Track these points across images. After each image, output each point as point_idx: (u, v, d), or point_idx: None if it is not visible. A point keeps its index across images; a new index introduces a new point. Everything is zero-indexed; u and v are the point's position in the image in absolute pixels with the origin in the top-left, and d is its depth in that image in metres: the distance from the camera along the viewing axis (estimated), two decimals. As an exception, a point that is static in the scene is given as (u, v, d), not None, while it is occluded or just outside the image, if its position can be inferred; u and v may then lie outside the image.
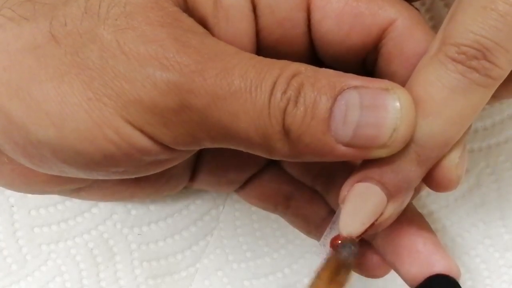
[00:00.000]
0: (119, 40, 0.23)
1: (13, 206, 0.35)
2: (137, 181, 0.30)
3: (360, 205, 0.25)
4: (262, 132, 0.23)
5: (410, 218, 0.28)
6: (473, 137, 0.35)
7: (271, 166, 0.33)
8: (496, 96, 0.26)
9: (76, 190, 0.30)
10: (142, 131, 0.23)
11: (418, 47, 0.26)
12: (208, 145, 0.24)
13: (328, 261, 0.26)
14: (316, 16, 0.27)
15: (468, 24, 0.23)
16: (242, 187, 0.33)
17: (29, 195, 0.34)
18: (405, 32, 0.26)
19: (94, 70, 0.23)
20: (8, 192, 0.34)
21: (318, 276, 0.25)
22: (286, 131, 0.23)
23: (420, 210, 0.35)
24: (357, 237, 0.25)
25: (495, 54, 0.23)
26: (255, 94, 0.23)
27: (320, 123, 0.23)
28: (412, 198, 0.27)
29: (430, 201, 0.35)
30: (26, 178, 0.28)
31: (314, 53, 0.28)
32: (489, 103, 0.27)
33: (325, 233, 0.26)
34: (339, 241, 0.25)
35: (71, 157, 0.24)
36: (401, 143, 0.23)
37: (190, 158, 0.31)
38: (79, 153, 0.24)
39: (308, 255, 0.36)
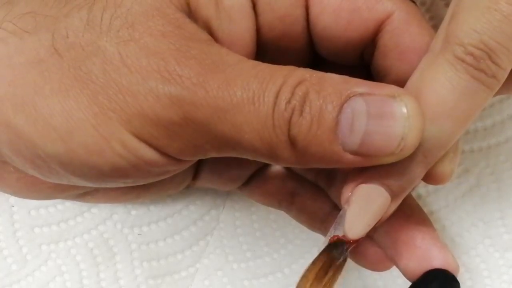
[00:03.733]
0: (122, 53, 0.23)
1: (13, 206, 0.35)
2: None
3: (365, 207, 0.25)
4: (267, 142, 0.23)
5: (410, 212, 0.28)
6: (473, 137, 0.35)
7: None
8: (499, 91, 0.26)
9: (81, 195, 0.30)
10: (148, 144, 0.24)
11: (414, 40, 0.26)
12: (214, 154, 0.24)
13: (316, 261, 0.25)
14: (314, 11, 0.27)
15: (472, 24, 0.23)
16: (245, 184, 0.33)
17: (29, 195, 0.35)
18: (402, 25, 0.26)
19: (98, 84, 0.23)
20: (8, 192, 0.35)
21: (304, 275, 0.25)
22: (292, 141, 0.23)
23: (419, 210, 0.35)
24: (360, 239, 0.25)
25: (499, 54, 0.23)
26: (258, 105, 0.23)
27: (326, 132, 0.23)
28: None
29: (430, 201, 0.35)
30: (32, 186, 0.28)
31: (313, 48, 0.28)
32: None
33: (328, 234, 0.26)
34: (331, 239, 0.25)
35: (80, 170, 0.24)
36: (409, 150, 0.23)
37: None
38: (88, 166, 0.24)
39: (308, 255, 0.36)
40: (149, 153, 0.24)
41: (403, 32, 0.26)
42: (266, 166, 0.32)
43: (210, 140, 0.23)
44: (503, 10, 0.23)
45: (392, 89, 0.24)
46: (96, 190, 0.30)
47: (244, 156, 0.24)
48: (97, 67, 0.23)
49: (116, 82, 0.23)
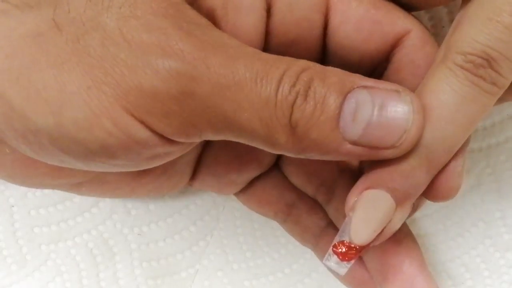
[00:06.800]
0: (122, 28, 0.23)
1: (13, 206, 0.35)
2: (139, 177, 0.30)
3: (371, 212, 0.25)
4: (266, 124, 0.23)
5: (400, 237, 0.28)
6: (473, 137, 0.35)
7: (274, 172, 0.32)
8: (498, 99, 0.26)
9: (76, 185, 0.29)
10: (141, 121, 0.23)
11: (428, 59, 0.26)
12: (210, 136, 0.24)
13: None
14: (335, 20, 0.27)
15: (474, 34, 0.24)
16: (243, 191, 0.33)
17: (29, 195, 0.34)
18: (418, 43, 0.27)
19: (95, 58, 0.23)
20: (8, 192, 0.34)
21: None
22: (292, 125, 0.23)
23: (420, 211, 0.35)
24: (366, 246, 0.25)
25: (500, 63, 0.23)
26: (260, 85, 0.23)
27: (329, 119, 0.23)
28: (409, 215, 0.26)
29: (431, 201, 0.35)
30: (26, 170, 0.27)
31: (324, 58, 0.28)
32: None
33: (333, 243, 0.26)
34: (336, 244, 0.25)
35: (69, 147, 0.24)
36: (410, 145, 0.23)
37: (191, 156, 0.31)
38: (76, 143, 0.23)
39: (308, 255, 0.36)
40: (140, 132, 0.23)
41: (419, 49, 0.27)
42: (265, 175, 0.32)
43: (208, 117, 0.23)
44: (506, 21, 0.23)
45: (395, 85, 0.24)
46: (91, 181, 0.29)
47: (240, 139, 0.24)
48: (96, 41, 0.23)
49: (114, 56, 0.23)
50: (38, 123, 0.23)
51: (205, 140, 0.31)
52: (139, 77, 0.23)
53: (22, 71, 0.23)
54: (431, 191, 0.25)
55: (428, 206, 0.35)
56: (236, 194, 0.33)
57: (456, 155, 0.25)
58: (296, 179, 0.32)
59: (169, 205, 0.35)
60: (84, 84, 0.23)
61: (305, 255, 0.36)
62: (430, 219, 0.35)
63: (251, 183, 0.32)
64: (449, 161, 0.25)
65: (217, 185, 0.33)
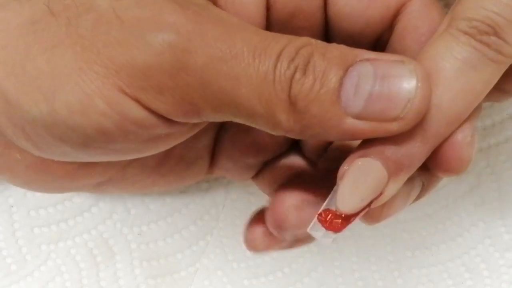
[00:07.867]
0: (115, 7, 0.22)
1: (12, 207, 0.35)
2: (157, 168, 0.29)
3: (360, 180, 0.23)
4: (266, 100, 0.22)
5: None
6: (473, 136, 0.35)
7: (291, 152, 0.31)
8: (509, 91, 0.25)
9: (97, 185, 0.29)
10: (135, 99, 0.22)
11: (433, 24, 0.25)
12: (210, 116, 0.23)
13: None
14: None
15: (479, 1, 0.23)
16: (260, 174, 0.31)
17: (29, 195, 0.34)
18: (423, 9, 0.26)
19: (87, 39, 0.22)
20: (8, 192, 0.34)
21: None
22: (292, 101, 0.22)
23: (420, 210, 0.35)
24: (352, 215, 0.24)
25: (506, 31, 0.23)
26: (258, 60, 0.22)
27: (329, 93, 0.22)
28: (420, 196, 0.26)
29: (431, 201, 0.35)
30: (42, 175, 0.27)
31: (326, 32, 0.28)
32: (501, 99, 0.27)
33: (319, 211, 0.25)
34: (321, 213, 0.24)
35: (65, 134, 0.23)
36: (415, 116, 0.22)
37: (206, 140, 0.30)
38: (72, 129, 0.23)
39: (308, 254, 0.36)
40: (135, 110, 0.23)
41: (425, 15, 0.26)
42: (283, 155, 0.31)
43: (204, 94, 0.22)
44: None
45: (400, 56, 0.23)
46: (110, 179, 0.28)
47: (241, 120, 0.23)
48: (89, 23, 0.22)
49: (107, 34, 0.22)
50: (33, 112, 0.23)
51: (219, 124, 0.30)
52: (131, 53, 0.22)
53: (16, 61, 0.23)
54: (440, 163, 0.24)
55: (428, 206, 0.35)
56: (253, 178, 0.32)
57: (463, 125, 0.24)
58: (312, 154, 0.31)
59: (169, 205, 0.35)
60: (76, 66, 0.22)
61: (305, 254, 0.36)
62: (430, 219, 0.35)
63: (268, 165, 0.31)
64: (456, 132, 0.24)
65: (235, 169, 0.31)
